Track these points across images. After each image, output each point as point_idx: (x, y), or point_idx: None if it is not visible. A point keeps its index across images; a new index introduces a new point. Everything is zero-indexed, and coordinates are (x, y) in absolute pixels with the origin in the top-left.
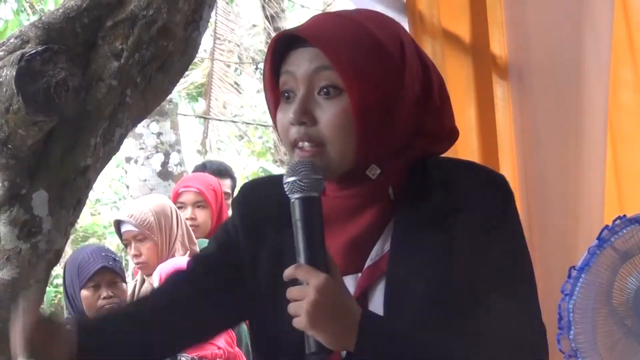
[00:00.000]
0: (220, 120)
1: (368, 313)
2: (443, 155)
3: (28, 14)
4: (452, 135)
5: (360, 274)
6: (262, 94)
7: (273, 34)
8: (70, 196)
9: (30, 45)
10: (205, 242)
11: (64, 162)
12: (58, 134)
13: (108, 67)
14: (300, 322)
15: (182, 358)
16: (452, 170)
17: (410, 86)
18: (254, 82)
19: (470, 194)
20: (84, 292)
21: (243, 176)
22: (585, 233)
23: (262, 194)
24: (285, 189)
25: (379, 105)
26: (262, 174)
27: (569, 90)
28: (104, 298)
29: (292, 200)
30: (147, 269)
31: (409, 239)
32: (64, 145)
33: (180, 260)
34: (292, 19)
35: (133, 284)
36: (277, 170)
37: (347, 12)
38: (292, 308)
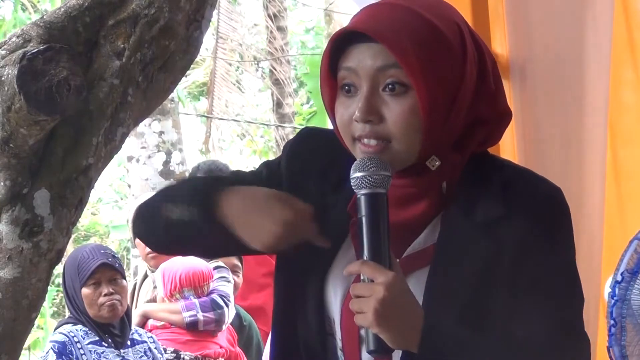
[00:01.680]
0: (222, 119)
1: (429, 313)
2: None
3: (30, 13)
4: (506, 118)
5: (397, 261)
6: (264, 93)
7: (275, 33)
8: (72, 195)
9: (31, 44)
10: None
11: (65, 161)
12: (60, 133)
13: (110, 66)
14: (366, 319)
15: (184, 356)
16: (510, 175)
17: (470, 74)
18: (256, 81)
19: (526, 204)
20: (85, 290)
21: None
22: (585, 232)
23: (318, 145)
24: (352, 184)
25: (445, 99)
26: None
27: (570, 89)
28: (105, 295)
29: (359, 195)
30: (159, 259)
31: (457, 236)
32: (65, 144)
33: (181, 259)
34: (294, 18)
35: (134, 281)
36: None
37: (404, 2)
38: (356, 304)
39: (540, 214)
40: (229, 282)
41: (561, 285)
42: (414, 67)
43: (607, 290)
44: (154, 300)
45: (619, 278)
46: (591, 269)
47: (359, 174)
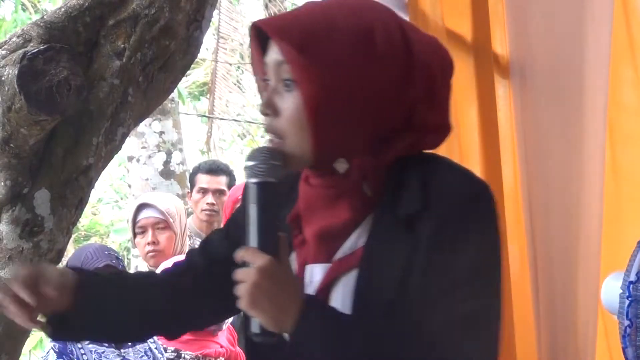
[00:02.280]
0: (222, 119)
1: (311, 298)
2: (435, 151)
3: (30, 13)
4: (441, 130)
5: (330, 265)
6: None
7: None
8: (72, 195)
9: (32, 44)
10: None
11: (66, 161)
12: (60, 133)
13: (110, 66)
14: (242, 302)
15: (185, 356)
16: (433, 169)
17: (379, 79)
18: None
19: (442, 198)
20: None
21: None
22: (585, 231)
23: None
24: (245, 174)
25: (334, 101)
26: None
27: (570, 88)
28: None
29: (249, 184)
30: (159, 258)
31: (383, 235)
32: (66, 144)
33: (182, 258)
34: None
35: None
36: None
37: (325, 2)
38: (237, 289)
39: (455, 208)
40: None
41: (466, 283)
42: (298, 64)
43: (604, 289)
44: None
45: (633, 278)
46: (590, 268)
47: (249, 164)
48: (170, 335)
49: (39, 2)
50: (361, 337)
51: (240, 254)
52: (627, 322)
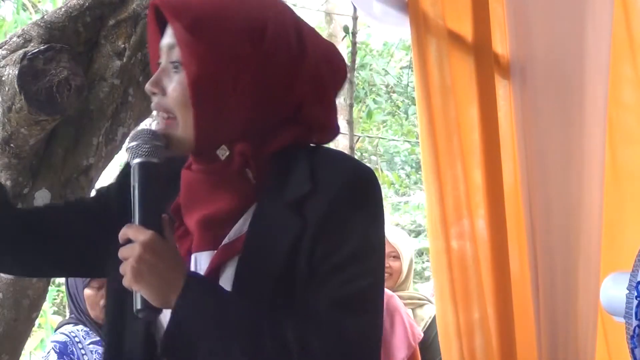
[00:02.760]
0: None
1: (194, 274)
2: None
3: (30, 13)
4: (327, 129)
5: (215, 252)
6: None
7: None
8: (73, 195)
9: (32, 44)
10: None
11: (66, 161)
12: (60, 133)
13: (110, 66)
14: (126, 278)
15: None
16: (321, 155)
17: (265, 72)
18: None
19: (329, 181)
20: (87, 291)
21: None
22: (585, 231)
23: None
24: (128, 155)
25: (216, 85)
26: None
27: (570, 88)
28: None
29: (132, 164)
30: None
31: (266, 221)
32: (66, 144)
33: None
34: None
35: None
36: None
37: None
38: (121, 267)
39: (342, 193)
40: None
41: (349, 265)
42: (185, 44)
43: (604, 290)
44: None
45: None
46: (590, 268)
47: (132, 144)
48: (25, 270)
49: (39, 2)
50: (240, 314)
51: (123, 232)
52: (636, 323)
